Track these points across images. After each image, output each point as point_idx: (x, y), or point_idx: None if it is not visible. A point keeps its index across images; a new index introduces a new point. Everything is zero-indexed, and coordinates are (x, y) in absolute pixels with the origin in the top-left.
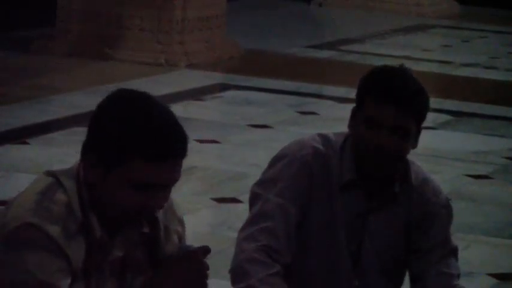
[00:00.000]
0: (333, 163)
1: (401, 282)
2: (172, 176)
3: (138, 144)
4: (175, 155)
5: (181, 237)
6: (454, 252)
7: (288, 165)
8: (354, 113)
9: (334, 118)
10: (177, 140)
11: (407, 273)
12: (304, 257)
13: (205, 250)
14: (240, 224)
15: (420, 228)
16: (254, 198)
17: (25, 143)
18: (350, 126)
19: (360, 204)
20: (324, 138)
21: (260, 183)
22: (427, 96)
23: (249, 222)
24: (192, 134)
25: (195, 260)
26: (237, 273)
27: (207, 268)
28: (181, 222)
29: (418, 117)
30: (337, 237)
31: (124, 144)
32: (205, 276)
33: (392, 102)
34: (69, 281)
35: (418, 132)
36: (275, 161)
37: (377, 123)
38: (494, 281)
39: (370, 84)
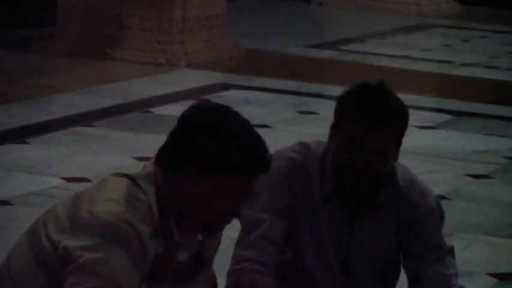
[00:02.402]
0: (312, 173)
1: (394, 284)
2: (253, 188)
3: (241, 157)
4: (264, 170)
5: (219, 242)
6: (450, 251)
7: (266, 178)
8: (333, 130)
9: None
10: (268, 155)
11: (402, 275)
12: (297, 263)
13: None
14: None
15: (411, 231)
16: (241, 220)
17: (25, 142)
18: (329, 142)
19: (343, 212)
20: (304, 147)
21: None
22: (407, 113)
23: (235, 246)
24: None
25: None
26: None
27: None
28: None
29: (399, 136)
30: (324, 246)
31: (226, 157)
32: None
33: (371, 126)
34: None
35: (399, 146)
36: None
37: (356, 146)
38: (494, 280)
39: (347, 106)
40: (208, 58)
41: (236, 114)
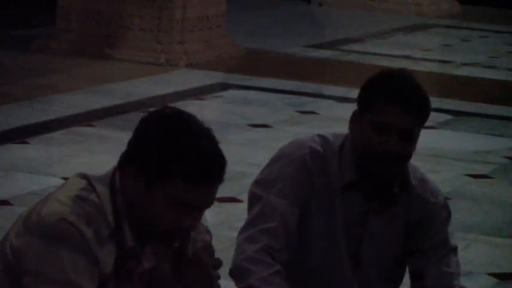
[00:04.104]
0: (331, 164)
1: (400, 282)
2: (209, 200)
3: (182, 165)
4: (215, 181)
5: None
6: (453, 250)
7: (286, 165)
8: (357, 116)
9: (333, 117)
10: (219, 166)
11: (406, 273)
12: (305, 256)
13: (210, 250)
14: (240, 224)
15: (420, 228)
16: (253, 199)
17: (25, 142)
18: (352, 128)
19: (359, 205)
20: (323, 138)
21: (259, 183)
22: (429, 100)
23: (249, 224)
24: None
25: (198, 260)
26: (238, 273)
27: (213, 266)
28: (208, 232)
29: (424, 121)
30: (337, 238)
31: (168, 163)
32: (209, 275)
33: (405, 107)
34: (95, 287)
35: (418, 136)
36: (273, 161)
37: (387, 127)
38: (494, 280)
39: (382, 88)
40: (208, 58)
41: (187, 122)
